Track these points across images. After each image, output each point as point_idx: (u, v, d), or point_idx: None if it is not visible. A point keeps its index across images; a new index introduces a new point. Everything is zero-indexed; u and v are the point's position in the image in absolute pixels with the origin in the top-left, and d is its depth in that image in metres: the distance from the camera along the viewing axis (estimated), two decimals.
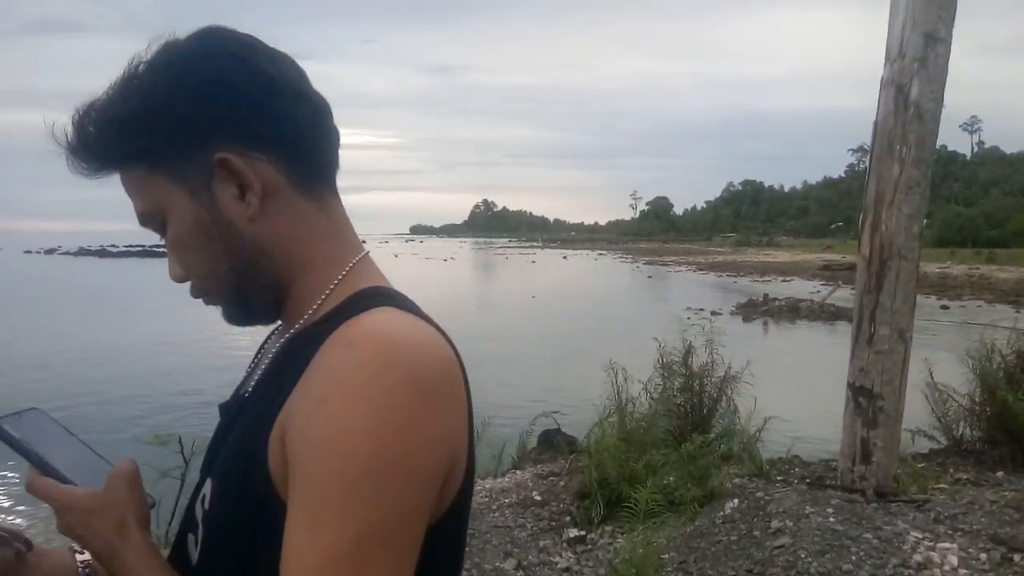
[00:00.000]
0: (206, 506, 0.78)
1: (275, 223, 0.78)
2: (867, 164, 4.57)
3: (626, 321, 18.96)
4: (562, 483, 5.10)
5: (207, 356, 13.96)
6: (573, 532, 4.40)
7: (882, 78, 4.32)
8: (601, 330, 17.61)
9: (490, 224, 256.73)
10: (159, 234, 0.81)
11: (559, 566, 4.01)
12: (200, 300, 0.83)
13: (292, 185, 0.79)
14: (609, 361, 5.78)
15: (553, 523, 4.60)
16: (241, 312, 0.83)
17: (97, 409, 9.78)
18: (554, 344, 16.43)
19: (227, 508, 0.75)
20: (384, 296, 0.79)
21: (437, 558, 0.73)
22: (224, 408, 0.88)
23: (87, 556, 0.87)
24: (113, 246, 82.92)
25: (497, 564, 3.99)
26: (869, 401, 4.25)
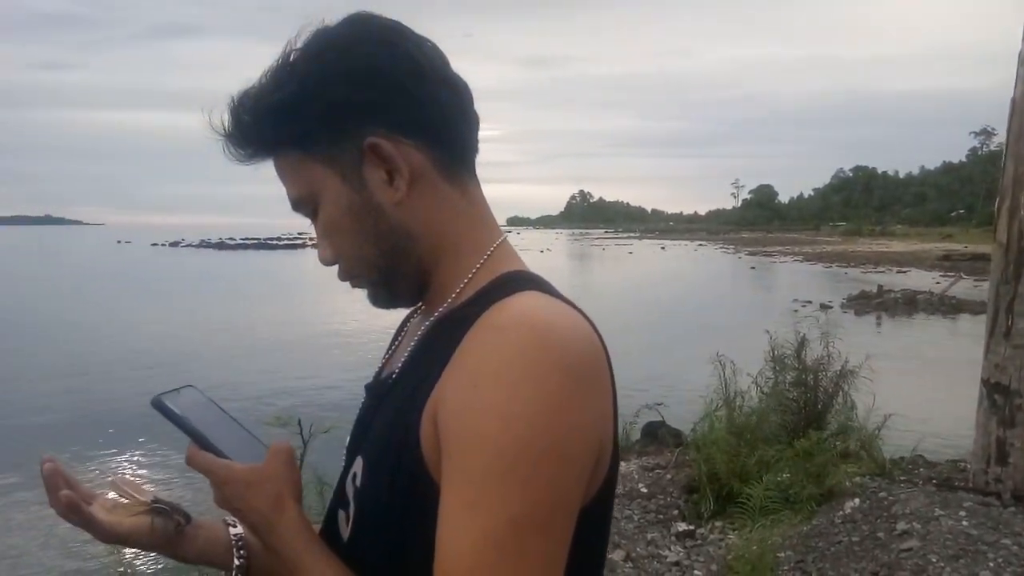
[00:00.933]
0: (357, 484, 0.79)
1: (420, 207, 0.79)
2: (1001, 145, 4.24)
3: (729, 312, 18.46)
4: (668, 476, 5.02)
5: (323, 342, 14.57)
6: (681, 526, 4.33)
7: (1020, 53, 4.00)
8: (702, 321, 17.21)
9: (586, 215, 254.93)
10: (310, 219, 0.83)
11: (668, 559, 3.95)
12: (348, 283, 0.85)
13: (437, 170, 0.80)
14: (716, 353, 5.64)
15: (660, 516, 4.53)
16: (386, 294, 0.85)
17: (229, 391, 10.43)
18: (654, 334, 16.18)
19: (380, 486, 0.76)
20: (528, 280, 0.79)
21: (585, 543, 0.73)
22: (370, 389, 0.90)
23: (240, 530, 0.91)
24: (231, 239, 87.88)
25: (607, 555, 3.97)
26: (1005, 399, 3.96)
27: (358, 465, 0.80)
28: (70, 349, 14.29)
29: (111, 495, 0.88)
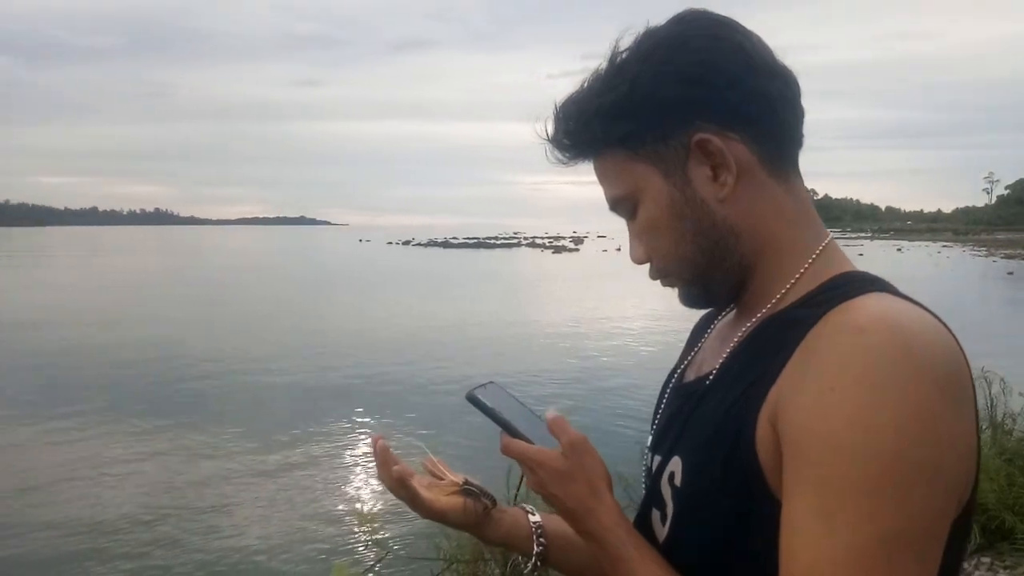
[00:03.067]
0: (677, 483, 0.80)
1: (745, 204, 0.78)
2: None
3: (992, 323, 16.28)
4: None
5: (534, 338, 15.04)
6: None
7: None
8: (958, 331, 15.30)
9: None
10: (627, 218, 0.85)
11: None
12: (660, 281, 0.86)
13: (762, 165, 0.79)
14: (980, 369, 5.01)
15: None
16: (701, 293, 0.85)
17: (465, 385, 11.13)
18: None
19: (705, 487, 0.76)
20: (872, 281, 0.76)
21: (947, 560, 0.68)
22: (679, 390, 0.90)
23: (538, 518, 0.96)
24: (454, 238, 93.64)
25: None
26: None
27: (675, 464, 0.81)
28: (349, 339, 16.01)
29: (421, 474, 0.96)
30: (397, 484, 0.89)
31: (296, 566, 5.26)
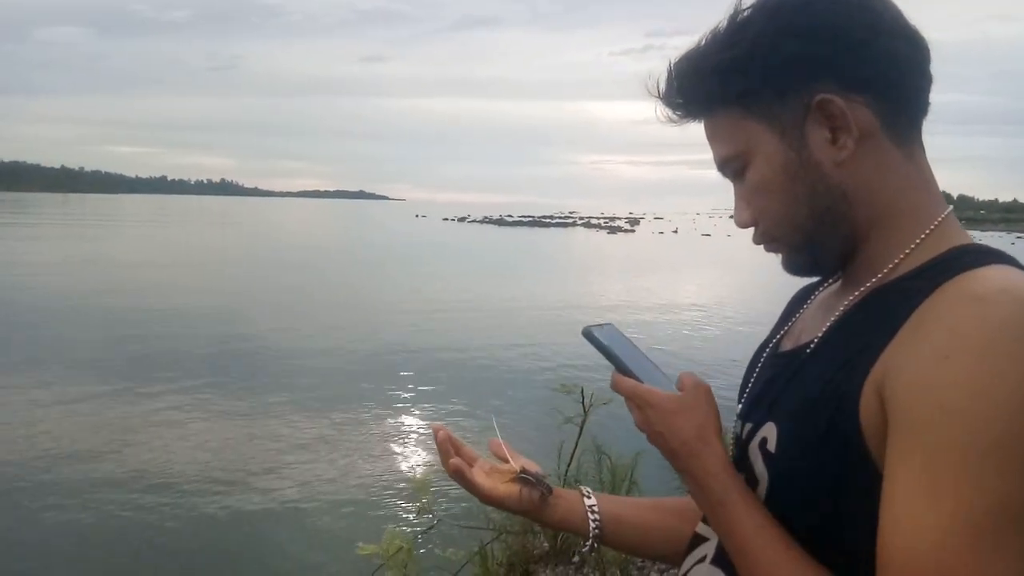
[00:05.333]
0: (770, 448, 0.79)
1: (863, 170, 0.76)
2: None
3: None
4: None
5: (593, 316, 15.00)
6: None
7: None
8: None
9: None
10: (734, 179, 0.83)
11: None
12: (763, 246, 0.85)
13: (885, 130, 0.76)
14: None
15: None
16: (807, 260, 0.83)
17: (519, 357, 11.25)
18: None
19: (803, 455, 0.75)
20: (994, 253, 0.74)
21: None
22: (776, 358, 0.90)
23: (593, 500, 0.99)
24: (509, 216, 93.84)
25: None
26: None
27: (768, 430, 0.80)
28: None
29: (485, 459, 1.00)
30: (455, 475, 0.93)
31: (348, 530, 5.42)
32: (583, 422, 4.36)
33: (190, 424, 7.69)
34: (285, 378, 9.56)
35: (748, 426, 0.86)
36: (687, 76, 0.81)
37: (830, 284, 0.91)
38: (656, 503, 1.06)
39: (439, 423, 0.97)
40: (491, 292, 19.28)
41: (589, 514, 0.98)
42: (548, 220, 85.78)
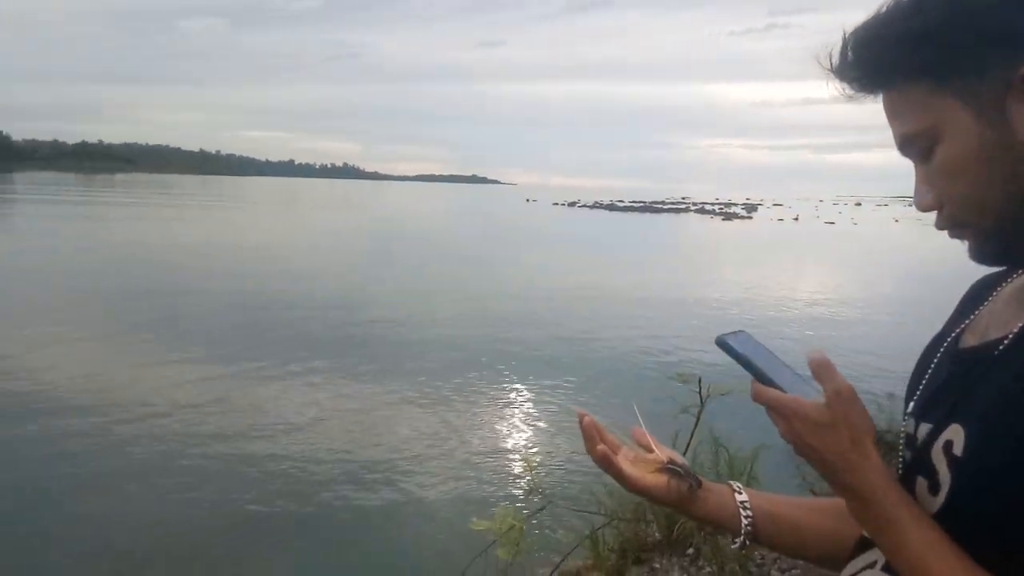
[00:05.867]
0: (956, 452, 0.74)
1: None
2: None
3: None
4: None
5: (710, 310, 14.66)
6: None
7: None
8: None
9: None
10: (918, 159, 0.78)
11: None
12: (947, 231, 0.79)
13: None
14: None
15: None
16: (997, 248, 0.77)
17: (630, 345, 11.19)
18: None
19: (995, 458, 0.70)
20: None
21: None
22: (958, 354, 0.85)
23: (745, 496, 0.95)
24: (620, 201, 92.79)
25: None
26: None
27: (954, 433, 0.75)
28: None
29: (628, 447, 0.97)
30: (602, 461, 0.91)
31: (460, 506, 5.57)
32: (699, 412, 4.27)
33: (312, 400, 8.10)
34: (404, 360, 9.87)
35: (925, 427, 0.81)
36: (867, 46, 0.75)
37: (1019, 275, 0.84)
38: (814, 503, 1.02)
39: (583, 409, 0.95)
40: (603, 278, 19.16)
41: (741, 510, 0.94)
42: (660, 205, 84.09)
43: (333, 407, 7.87)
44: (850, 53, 0.77)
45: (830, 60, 0.78)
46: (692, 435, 4.34)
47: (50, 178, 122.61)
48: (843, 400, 0.75)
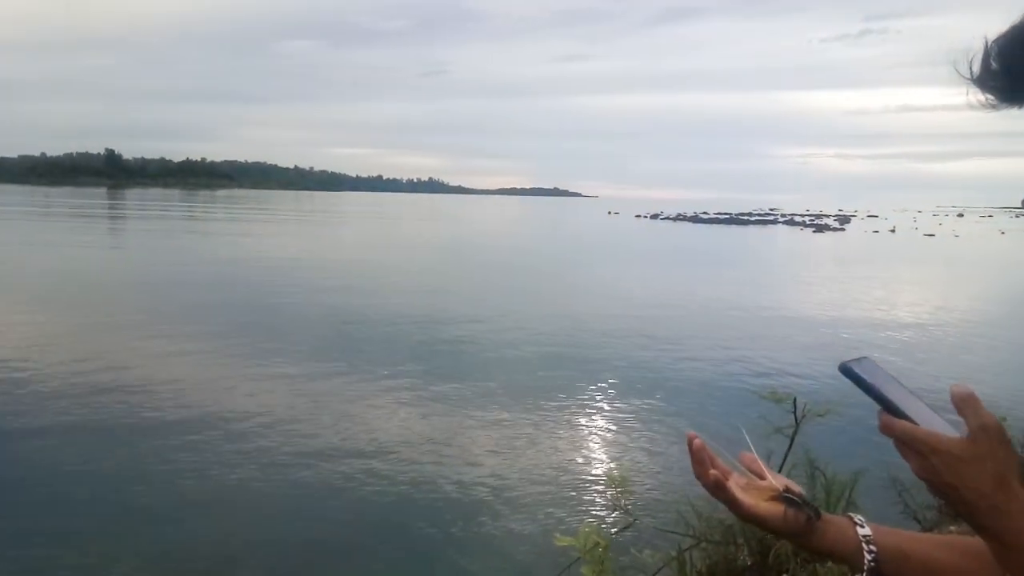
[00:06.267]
0: None
1: None
2: None
3: None
4: None
5: (810, 327, 14.14)
6: None
7: None
8: None
9: None
10: None
11: None
12: None
13: None
14: None
15: None
16: None
17: (719, 362, 10.93)
18: None
19: None
20: None
21: None
22: None
23: (868, 531, 0.89)
24: (705, 213, 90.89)
25: None
26: None
27: None
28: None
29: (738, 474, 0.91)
30: (714, 487, 0.88)
31: (544, 521, 5.54)
32: (794, 433, 4.10)
33: (398, 410, 8.27)
34: (489, 371, 9.97)
35: None
36: (1015, 55, 0.70)
37: None
38: (948, 540, 0.95)
39: (693, 431, 0.91)
40: (690, 291, 18.82)
41: (864, 544, 0.88)
42: (746, 217, 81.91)
43: (417, 417, 8.01)
44: (994, 62, 0.72)
45: (970, 69, 0.73)
46: (786, 457, 4.18)
47: (158, 194, 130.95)
48: (989, 435, 0.70)
